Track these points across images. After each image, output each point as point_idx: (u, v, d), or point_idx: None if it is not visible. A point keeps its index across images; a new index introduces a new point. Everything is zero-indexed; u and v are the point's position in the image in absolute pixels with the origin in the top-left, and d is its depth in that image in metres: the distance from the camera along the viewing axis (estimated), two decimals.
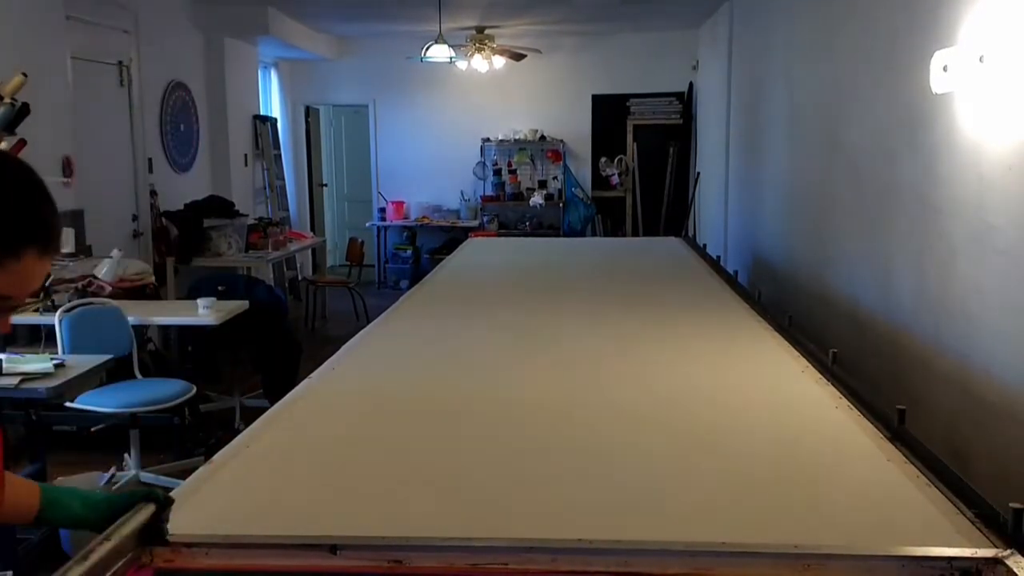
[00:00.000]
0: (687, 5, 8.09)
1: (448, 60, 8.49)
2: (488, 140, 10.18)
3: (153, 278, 5.50)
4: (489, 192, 10.22)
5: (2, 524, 1.43)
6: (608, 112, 10.10)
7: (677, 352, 3.00)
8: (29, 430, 3.87)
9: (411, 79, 9.99)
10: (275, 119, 9.43)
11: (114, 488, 3.79)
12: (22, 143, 4.57)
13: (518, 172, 10.25)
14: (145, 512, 1.43)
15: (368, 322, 3.81)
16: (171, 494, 1.71)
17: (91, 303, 4.37)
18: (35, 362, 3.52)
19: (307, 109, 10.53)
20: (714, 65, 8.36)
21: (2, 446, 1.23)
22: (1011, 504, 1.45)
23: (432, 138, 10.25)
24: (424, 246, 10.21)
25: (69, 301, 4.31)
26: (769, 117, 6.06)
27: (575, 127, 10.16)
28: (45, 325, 4.33)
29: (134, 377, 4.43)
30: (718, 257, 5.64)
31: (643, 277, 4.88)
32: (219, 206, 7.15)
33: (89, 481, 3.78)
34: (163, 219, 6.77)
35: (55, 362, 3.53)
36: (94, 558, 1.30)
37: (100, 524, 1.39)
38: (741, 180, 7.08)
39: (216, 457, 1.96)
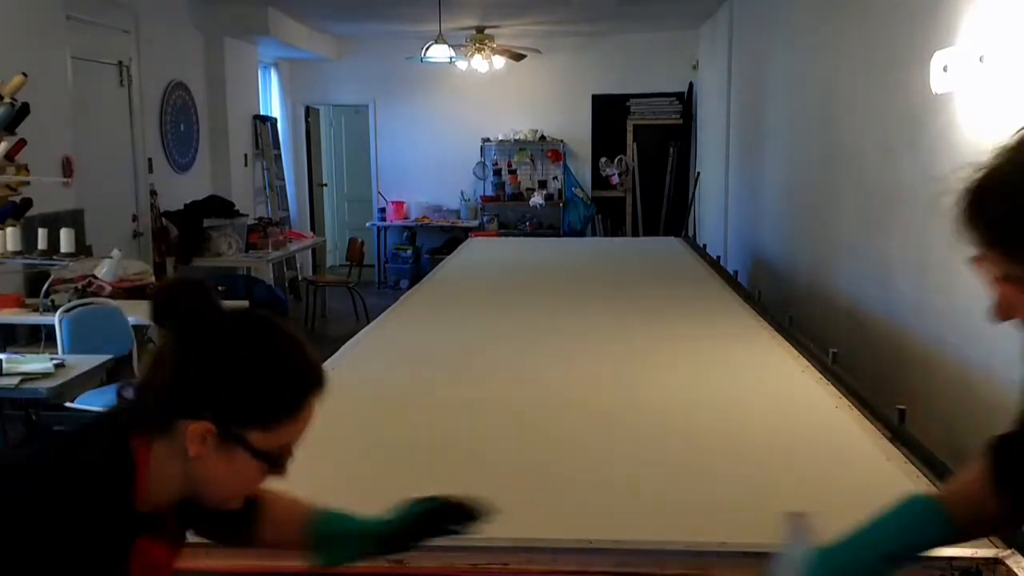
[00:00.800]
0: (687, 5, 8.09)
1: (448, 60, 8.48)
2: (488, 140, 10.18)
3: (153, 278, 5.50)
4: (489, 192, 10.22)
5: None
6: (608, 112, 10.09)
7: (677, 352, 3.00)
8: (29, 430, 3.87)
9: (411, 79, 9.98)
10: (275, 119, 9.42)
11: None
12: (22, 143, 4.57)
13: (518, 172, 10.24)
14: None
15: (368, 322, 3.81)
16: None
17: (91, 303, 4.37)
18: (35, 362, 3.52)
19: (307, 109, 10.52)
20: (714, 65, 8.36)
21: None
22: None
23: (432, 138, 10.24)
24: (424, 246, 10.20)
25: (69, 301, 4.31)
26: (769, 117, 6.06)
27: (575, 127, 10.15)
28: (45, 325, 4.33)
29: (134, 377, 4.42)
30: (718, 257, 5.64)
31: (643, 277, 4.88)
32: (219, 206, 7.15)
33: None
34: (163, 219, 6.77)
35: (55, 362, 3.53)
36: None
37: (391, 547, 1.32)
38: (741, 180, 7.08)
39: None
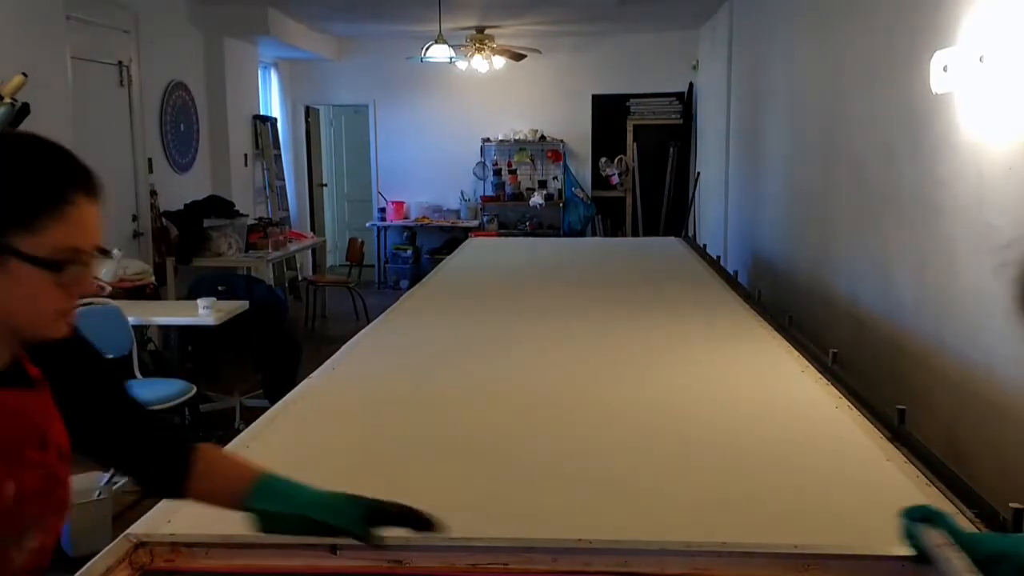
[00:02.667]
0: (687, 5, 8.09)
1: (448, 60, 8.49)
2: (488, 140, 10.18)
3: (153, 278, 5.51)
4: (489, 192, 10.22)
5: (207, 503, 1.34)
6: (608, 112, 10.09)
7: (677, 352, 3.00)
8: None
9: (411, 79, 9.98)
10: (275, 119, 9.42)
11: (115, 488, 3.78)
12: None
13: (518, 172, 10.24)
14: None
15: (368, 322, 3.81)
16: None
17: (91, 303, 4.37)
18: None
19: (307, 109, 10.52)
20: (714, 65, 8.36)
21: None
22: (1011, 504, 1.45)
23: (432, 138, 10.24)
24: (424, 246, 10.21)
25: None
26: (769, 117, 6.06)
27: (575, 127, 10.15)
28: None
29: (134, 377, 4.42)
30: (718, 257, 5.64)
31: (643, 277, 4.88)
32: (219, 206, 7.15)
33: (89, 481, 3.77)
34: (163, 219, 6.77)
35: None
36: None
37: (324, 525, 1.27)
38: (741, 180, 7.08)
39: None
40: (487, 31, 8.69)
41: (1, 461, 1.04)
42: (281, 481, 1.29)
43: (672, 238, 7.10)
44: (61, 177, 1.05)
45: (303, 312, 8.24)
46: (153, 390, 4.21)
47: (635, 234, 10.01)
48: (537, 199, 10.03)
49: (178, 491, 1.31)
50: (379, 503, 1.29)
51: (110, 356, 3.80)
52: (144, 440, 1.29)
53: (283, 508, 1.27)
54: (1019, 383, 2.55)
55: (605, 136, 10.15)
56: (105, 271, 4.78)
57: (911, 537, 1.30)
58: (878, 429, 2.11)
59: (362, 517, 1.28)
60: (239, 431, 2.20)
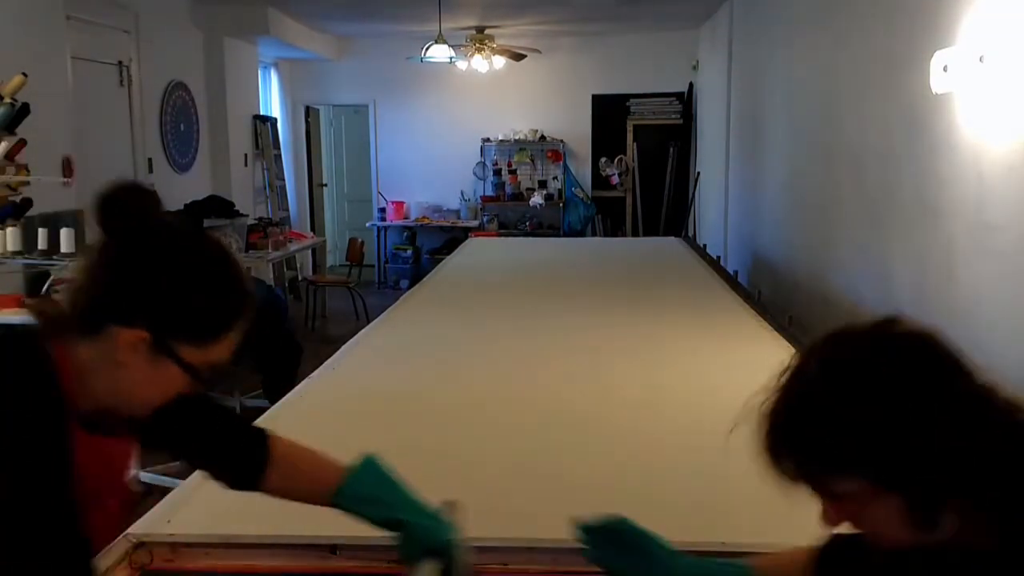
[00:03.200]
0: (687, 5, 8.09)
1: (448, 60, 8.48)
2: (488, 140, 10.18)
3: None
4: (489, 192, 10.21)
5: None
6: (608, 112, 10.09)
7: (677, 352, 3.00)
8: None
9: (411, 79, 9.98)
10: (275, 119, 9.42)
11: None
12: (22, 143, 4.57)
13: (518, 172, 10.24)
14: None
15: (368, 322, 3.81)
16: (172, 494, 1.71)
17: None
18: None
19: (307, 109, 10.52)
20: (714, 65, 8.36)
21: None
22: None
23: (432, 138, 10.24)
24: (424, 246, 10.20)
25: None
26: (769, 117, 6.06)
27: (575, 127, 10.15)
28: None
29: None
30: (718, 257, 5.65)
31: (643, 277, 4.88)
32: (219, 206, 7.14)
33: None
34: None
35: None
36: None
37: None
38: (741, 180, 7.08)
39: None
40: (487, 31, 8.69)
41: (105, 488, 1.09)
42: (368, 482, 1.29)
43: (672, 238, 7.10)
44: (239, 308, 1.09)
45: (303, 312, 8.23)
46: None
47: (635, 234, 10.01)
48: (537, 199, 10.03)
49: (255, 484, 1.30)
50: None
51: None
52: (218, 432, 1.29)
53: (375, 515, 1.27)
54: (1019, 383, 2.55)
55: (605, 136, 10.15)
56: None
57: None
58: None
59: (446, 531, 1.27)
60: None
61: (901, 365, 0.91)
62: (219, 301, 1.07)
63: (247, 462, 1.29)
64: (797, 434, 0.95)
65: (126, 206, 1.09)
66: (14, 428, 0.99)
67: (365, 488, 1.29)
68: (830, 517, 0.97)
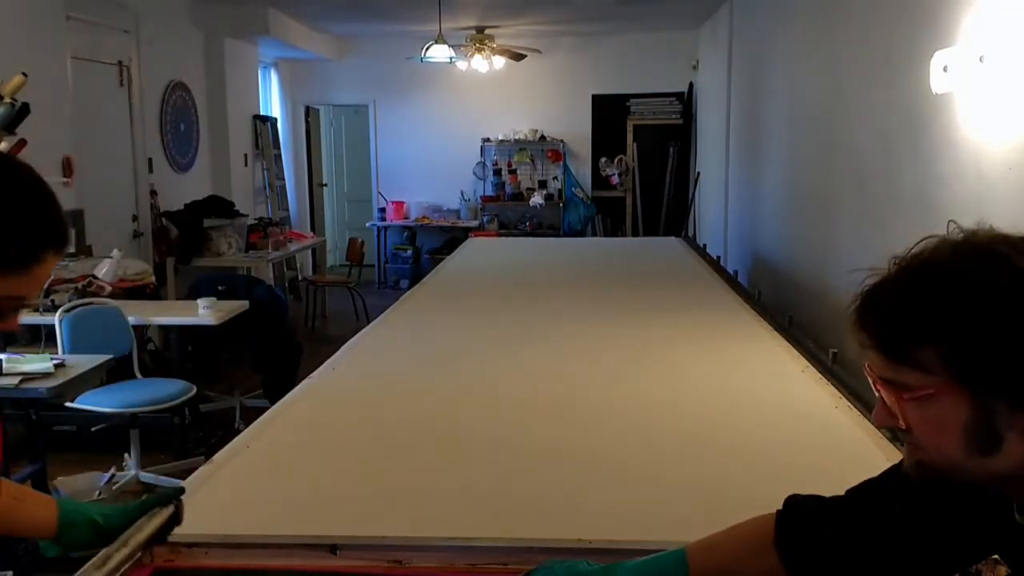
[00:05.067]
0: (687, 5, 8.09)
1: (448, 60, 8.48)
2: (488, 140, 10.18)
3: (153, 278, 5.50)
4: (489, 192, 10.21)
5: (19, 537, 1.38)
6: (608, 112, 10.09)
7: (677, 352, 3.00)
8: (29, 430, 3.87)
9: (411, 79, 9.98)
10: (275, 119, 9.42)
11: (115, 488, 3.79)
12: (22, 143, 4.57)
13: (518, 172, 10.24)
14: (161, 516, 1.40)
15: (368, 322, 3.81)
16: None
17: (91, 303, 4.36)
18: (35, 362, 3.52)
19: (307, 109, 10.52)
20: (714, 65, 8.36)
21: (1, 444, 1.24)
22: None
23: (432, 138, 10.24)
24: (424, 246, 10.20)
25: (69, 301, 4.31)
26: (769, 117, 6.06)
27: (575, 127, 10.15)
28: (45, 325, 4.33)
29: (134, 377, 4.42)
30: (718, 257, 5.65)
31: (643, 277, 4.88)
32: (219, 206, 7.14)
33: (89, 481, 3.78)
34: (163, 219, 6.77)
35: (55, 362, 3.53)
36: (111, 564, 1.28)
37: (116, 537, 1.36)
38: (741, 180, 7.08)
39: (216, 457, 1.96)
40: (487, 31, 8.69)
41: None
42: (69, 503, 1.36)
43: (672, 238, 7.10)
44: (41, 236, 1.02)
45: (303, 312, 8.24)
46: (153, 390, 4.21)
47: (635, 234, 10.01)
48: (537, 199, 10.03)
49: None
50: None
51: (110, 356, 3.80)
52: None
53: (83, 524, 1.33)
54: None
55: (605, 136, 10.15)
56: (105, 271, 4.77)
57: None
58: (878, 429, 2.11)
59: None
60: (239, 431, 2.20)
61: (1021, 253, 0.84)
62: (23, 228, 1.00)
63: None
64: (892, 294, 0.88)
65: None
66: None
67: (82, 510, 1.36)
68: (885, 413, 0.90)
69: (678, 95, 9.90)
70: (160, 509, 1.40)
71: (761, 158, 6.26)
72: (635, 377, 2.69)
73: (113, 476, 4.01)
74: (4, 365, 3.39)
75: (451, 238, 9.76)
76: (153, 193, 6.68)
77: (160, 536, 1.41)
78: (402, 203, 10.25)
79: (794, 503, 1.14)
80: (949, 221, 0.92)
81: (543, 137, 10.12)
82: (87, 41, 5.86)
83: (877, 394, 0.90)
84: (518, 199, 10.14)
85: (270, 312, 5.53)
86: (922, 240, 0.90)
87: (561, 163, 10.13)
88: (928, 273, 0.86)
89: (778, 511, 1.15)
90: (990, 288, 0.82)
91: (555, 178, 10.20)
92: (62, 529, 1.32)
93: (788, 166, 5.50)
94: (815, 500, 1.14)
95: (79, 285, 4.59)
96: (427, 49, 8.03)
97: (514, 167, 10.23)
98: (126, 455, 4.24)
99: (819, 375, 2.59)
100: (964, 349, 0.82)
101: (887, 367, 0.88)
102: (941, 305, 0.83)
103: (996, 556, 0.90)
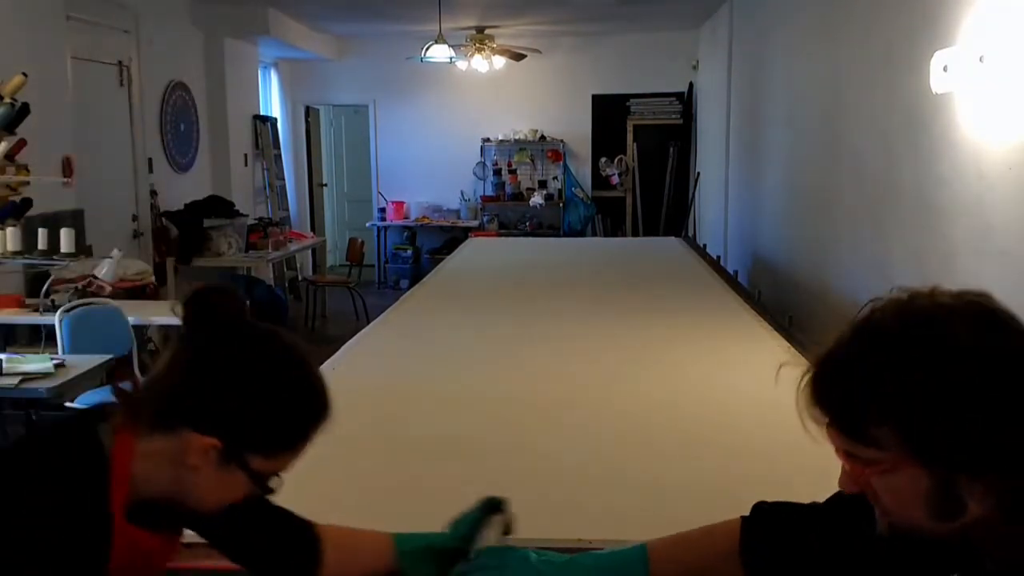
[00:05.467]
0: (687, 5, 8.09)
1: (448, 60, 8.48)
2: (488, 140, 10.17)
3: (153, 278, 5.50)
4: (489, 192, 10.21)
5: None
6: (608, 112, 10.08)
7: (677, 352, 3.00)
8: (29, 430, 3.87)
9: (411, 79, 9.98)
10: (275, 119, 9.42)
11: None
12: (22, 143, 4.57)
13: (518, 172, 10.24)
14: (497, 527, 1.30)
15: (368, 322, 3.81)
16: None
17: (91, 303, 4.36)
18: (35, 362, 3.52)
19: (307, 109, 10.52)
20: (714, 65, 8.36)
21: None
22: None
23: (432, 138, 10.24)
24: (424, 246, 10.20)
25: (69, 301, 4.31)
26: (769, 117, 6.06)
27: (575, 127, 10.15)
28: (45, 325, 4.33)
29: (134, 377, 4.42)
30: (718, 257, 5.65)
31: (643, 277, 4.88)
32: (219, 206, 7.15)
33: None
34: (163, 219, 6.77)
35: (55, 362, 3.53)
36: None
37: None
38: (741, 180, 7.08)
39: None
40: (487, 31, 8.68)
41: None
42: (409, 536, 1.29)
43: (672, 238, 7.10)
44: (314, 418, 1.08)
45: (303, 312, 8.23)
46: None
47: (635, 234, 10.01)
48: (537, 199, 10.03)
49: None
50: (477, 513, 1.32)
51: (110, 356, 3.80)
52: (269, 534, 1.25)
53: (427, 555, 1.27)
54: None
55: (605, 136, 10.15)
56: (105, 271, 4.77)
57: None
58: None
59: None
60: None
61: (967, 327, 0.86)
62: (296, 414, 1.07)
63: (301, 563, 1.26)
64: (845, 373, 0.90)
65: (215, 310, 1.09)
66: (52, 516, 0.98)
67: (417, 539, 1.29)
68: (849, 481, 0.92)
69: (678, 95, 9.90)
70: (491, 518, 1.30)
71: (761, 158, 6.26)
72: (635, 377, 2.69)
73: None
74: (4, 365, 3.38)
75: (451, 238, 9.75)
76: (153, 193, 6.68)
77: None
78: (402, 203, 10.25)
79: (761, 511, 1.15)
80: (893, 289, 0.92)
81: (543, 137, 10.12)
82: (87, 41, 5.86)
83: (843, 463, 0.93)
84: (518, 199, 10.14)
85: (270, 312, 5.54)
86: (870, 302, 0.93)
87: (561, 163, 10.12)
88: (878, 348, 0.88)
89: (743, 517, 1.15)
90: (936, 366, 0.83)
91: (555, 178, 10.19)
92: (403, 560, 1.27)
93: (788, 166, 5.50)
94: (783, 508, 1.15)
95: (79, 285, 4.59)
96: (427, 49, 8.03)
97: (514, 167, 10.23)
98: None
99: None
100: (918, 428, 0.84)
101: (847, 443, 0.90)
102: (893, 385, 0.85)
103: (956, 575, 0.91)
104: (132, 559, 1.06)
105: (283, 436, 1.07)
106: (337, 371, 2.75)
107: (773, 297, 4.93)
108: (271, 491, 1.10)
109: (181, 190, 7.04)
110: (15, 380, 3.31)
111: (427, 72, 9.72)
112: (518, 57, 8.81)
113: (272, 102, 9.78)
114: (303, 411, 1.08)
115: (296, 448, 1.08)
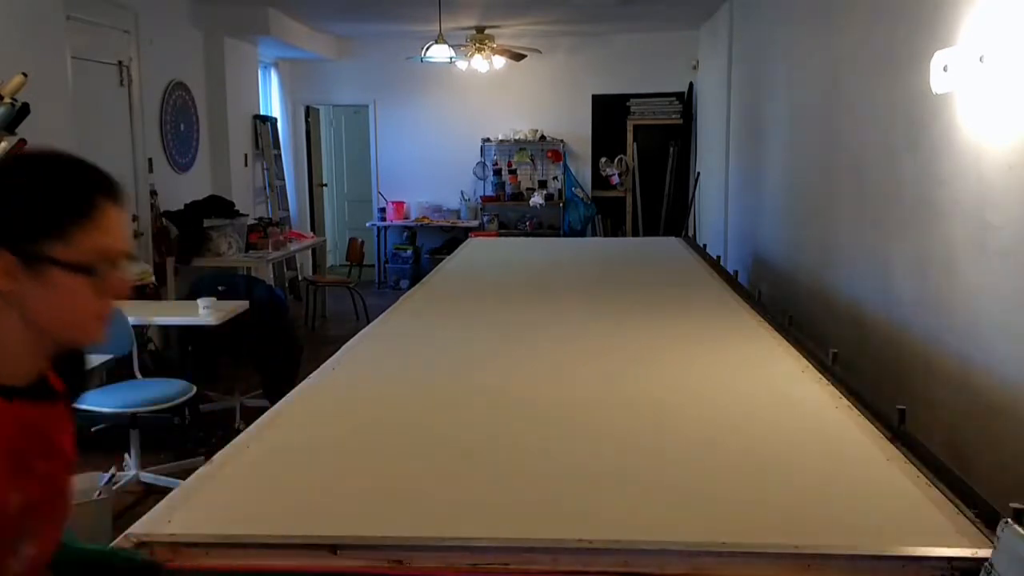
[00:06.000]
0: (687, 5, 8.09)
1: (448, 60, 8.48)
2: (488, 140, 10.18)
3: (153, 278, 5.50)
4: (489, 192, 10.22)
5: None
6: (608, 112, 10.09)
7: (677, 352, 3.00)
8: None
9: (411, 79, 9.98)
10: (275, 119, 9.42)
11: (115, 488, 3.78)
12: (22, 143, 4.57)
13: (518, 172, 10.24)
14: None
15: (368, 322, 3.81)
16: (172, 494, 1.71)
17: None
18: None
19: (307, 109, 10.52)
20: (714, 65, 8.36)
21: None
22: (1011, 504, 1.45)
23: (432, 138, 10.24)
24: (424, 246, 10.21)
25: None
26: (769, 117, 6.06)
27: (575, 127, 10.15)
28: None
29: (134, 377, 4.42)
30: (718, 257, 5.64)
31: (643, 277, 4.88)
32: (219, 206, 7.14)
33: (89, 481, 3.77)
34: (163, 219, 6.77)
35: None
36: None
37: None
38: (741, 180, 7.08)
39: (216, 457, 1.96)
40: (487, 31, 8.69)
41: (9, 472, 1.05)
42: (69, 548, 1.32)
43: (672, 238, 7.10)
44: (86, 186, 1.09)
45: (303, 312, 8.24)
46: (153, 390, 4.21)
47: (635, 234, 10.01)
48: (537, 199, 10.03)
49: None
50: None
51: (110, 356, 3.80)
52: None
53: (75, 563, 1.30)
54: (1019, 382, 2.55)
55: (605, 136, 10.15)
56: None
57: None
58: (878, 429, 2.11)
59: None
60: (239, 431, 2.20)
61: None
62: (58, 193, 1.07)
63: None
64: None
65: None
66: None
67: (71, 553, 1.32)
68: None
69: (678, 95, 9.90)
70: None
71: (761, 158, 6.26)
72: (635, 377, 2.69)
73: (113, 476, 4.01)
74: None
75: (451, 238, 9.76)
76: (153, 193, 6.68)
77: None
78: (402, 203, 10.25)
79: None
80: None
81: (543, 137, 10.13)
82: (87, 41, 5.86)
83: None
84: (518, 199, 10.15)
85: (270, 312, 5.53)
86: None
87: (561, 163, 10.13)
88: None
89: None
90: None
91: (555, 178, 10.20)
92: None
93: (788, 166, 5.50)
94: None
95: None
96: (427, 49, 8.03)
97: (514, 167, 10.23)
98: (126, 455, 4.25)
99: (819, 375, 2.59)
100: None
101: None
102: None
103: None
104: (28, 444, 1.07)
105: (60, 209, 1.06)
106: (337, 371, 2.75)
107: (773, 297, 4.93)
108: (94, 271, 1.08)
109: (181, 190, 7.04)
110: None
111: (427, 72, 9.72)
112: (518, 57, 8.81)
113: (272, 102, 9.78)
114: (65, 178, 1.08)
115: (82, 220, 1.06)
